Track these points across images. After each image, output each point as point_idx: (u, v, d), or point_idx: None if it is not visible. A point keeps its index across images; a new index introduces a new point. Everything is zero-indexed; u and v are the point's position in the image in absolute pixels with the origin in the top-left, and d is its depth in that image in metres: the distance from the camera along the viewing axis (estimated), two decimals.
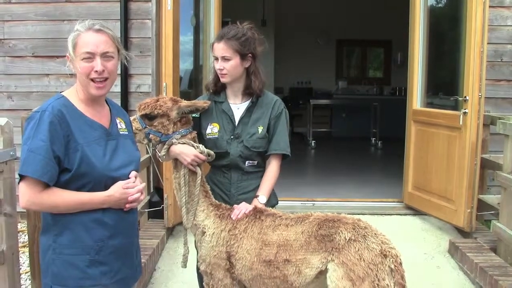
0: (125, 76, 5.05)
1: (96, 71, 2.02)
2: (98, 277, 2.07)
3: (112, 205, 2.07)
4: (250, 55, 2.68)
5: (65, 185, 2.01)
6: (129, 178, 2.13)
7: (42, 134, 1.94)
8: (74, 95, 2.12)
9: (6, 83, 5.30)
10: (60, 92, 2.16)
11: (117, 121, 2.21)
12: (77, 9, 5.15)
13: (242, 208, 2.55)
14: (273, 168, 2.75)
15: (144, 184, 2.18)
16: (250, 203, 2.64)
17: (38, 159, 1.93)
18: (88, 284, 2.06)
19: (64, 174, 1.99)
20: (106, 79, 2.06)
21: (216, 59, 2.66)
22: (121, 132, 2.20)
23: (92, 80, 2.04)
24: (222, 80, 2.70)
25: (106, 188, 2.06)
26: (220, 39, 2.63)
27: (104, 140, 2.10)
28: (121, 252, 2.14)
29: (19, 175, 1.96)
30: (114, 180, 2.08)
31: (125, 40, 5.03)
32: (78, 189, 2.02)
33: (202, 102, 2.66)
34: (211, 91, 2.80)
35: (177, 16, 4.60)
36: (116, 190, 2.07)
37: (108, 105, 2.23)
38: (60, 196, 1.99)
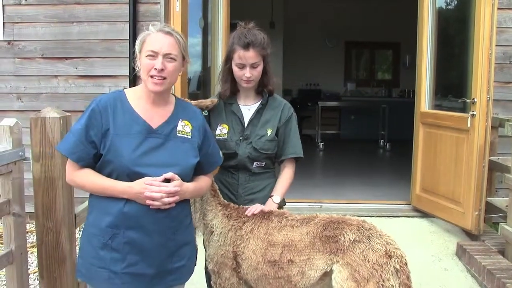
0: (134, 77, 5.08)
1: (156, 68, 2.13)
2: (108, 261, 2.13)
3: (132, 197, 2.10)
4: (266, 56, 2.70)
5: (99, 170, 2.15)
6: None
7: (83, 119, 2.14)
8: (134, 91, 2.27)
9: (16, 85, 5.34)
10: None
11: (181, 123, 2.25)
12: (86, 11, 5.18)
13: (259, 207, 2.60)
14: (288, 171, 2.80)
15: (175, 189, 2.13)
16: (258, 203, 2.66)
17: (71, 139, 2.14)
18: (97, 265, 2.15)
19: (99, 160, 2.14)
20: (164, 78, 2.16)
21: (242, 67, 2.65)
22: (178, 135, 2.23)
23: (151, 77, 2.15)
24: (247, 85, 2.70)
25: (130, 181, 2.11)
26: (247, 47, 2.60)
27: (142, 136, 2.16)
28: (141, 247, 2.13)
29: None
30: (140, 175, 2.11)
31: (134, 42, 5.04)
32: (107, 176, 2.14)
33: (208, 100, 2.69)
34: (226, 97, 2.80)
35: (186, 18, 4.62)
36: (137, 183, 2.10)
37: (175, 107, 2.29)
38: (88, 177, 2.14)
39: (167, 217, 2.17)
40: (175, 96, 2.37)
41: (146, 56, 2.16)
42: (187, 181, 2.22)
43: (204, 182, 2.38)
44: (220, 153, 2.55)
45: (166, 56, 2.16)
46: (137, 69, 2.25)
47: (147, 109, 2.22)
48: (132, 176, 2.11)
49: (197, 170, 2.29)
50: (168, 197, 2.11)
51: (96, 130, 2.12)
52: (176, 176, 2.14)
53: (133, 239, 2.12)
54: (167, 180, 2.12)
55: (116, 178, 2.12)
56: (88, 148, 2.12)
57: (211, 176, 2.48)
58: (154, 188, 2.09)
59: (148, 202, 2.10)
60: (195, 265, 2.41)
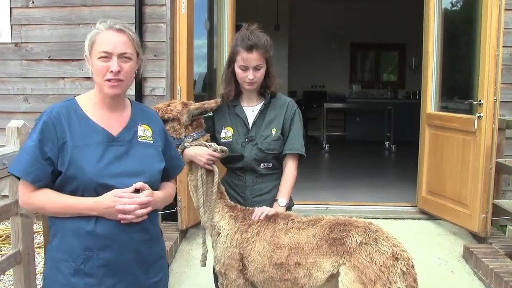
0: (140, 79, 5.09)
1: (112, 71, 1.94)
2: None
3: (101, 213, 1.92)
4: (269, 58, 2.70)
5: (59, 189, 1.95)
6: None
7: (35, 134, 1.93)
8: (87, 98, 2.07)
9: (23, 86, 5.36)
10: (76, 95, 2.15)
11: (140, 128, 2.09)
12: (92, 13, 5.19)
13: (264, 210, 2.56)
14: (290, 169, 2.76)
15: (147, 198, 1.97)
16: (266, 205, 2.65)
17: (24, 158, 1.91)
18: None
19: (59, 177, 1.94)
20: (121, 80, 1.98)
21: (245, 69, 2.64)
22: (140, 140, 2.06)
23: (108, 80, 1.96)
24: (250, 87, 2.69)
25: (98, 195, 1.93)
26: (251, 49, 2.60)
27: (104, 145, 1.97)
28: (117, 268, 1.96)
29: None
30: (108, 188, 1.93)
31: (140, 44, 5.06)
32: (71, 194, 1.94)
33: (212, 102, 2.70)
34: (230, 99, 2.79)
35: (191, 20, 4.63)
36: (106, 197, 1.92)
37: (132, 111, 2.12)
38: (48, 198, 1.93)
39: (141, 231, 2.01)
40: (129, 99, 2.18)
41: (99, 58, 1.96)
42: (155, 189, 2.07)
43: (171, 188, 2.23)
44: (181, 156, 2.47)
45: (120, 56, 1.97)
46: (90, 72, 2.04)
47: (104, 116, 2.03)
48: (99, 189, 1.92)
49: (163, 176, 2.14)
50: (140, 208, 1.95)
51: (52, 145, 1.91)
52: (147, 186, 1.99)
53: (108, 261, 1.94)
54: (137, 191, 1.97)
55: (82, 195, 1.92)
56: (45, 165, 1.90)
57: (175, 182, 2.33)
58: (126, 200, 1.92)
59: (120, 216, 1.92)
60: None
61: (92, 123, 2.00)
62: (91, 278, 1.93)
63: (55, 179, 1.94)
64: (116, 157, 1.98)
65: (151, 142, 2.10)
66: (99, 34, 1.99)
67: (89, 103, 2.05)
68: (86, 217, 1.92)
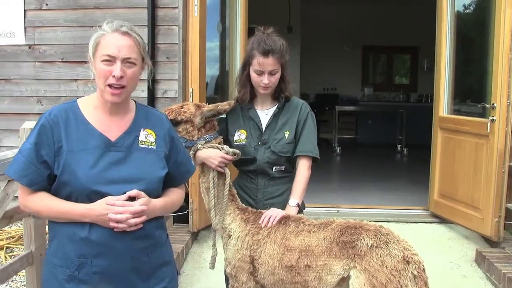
0: (152, 81, 5.11)
1: (114, 76, 1.87)
2: None
3: (94, 220, 1.86)
4: (284, 63, 2.70)
5: (55, 194, 1.91)
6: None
7: (32, 137, 1.90)
8: (89, 101, 2.02)
9: (36, 88, 5.40)
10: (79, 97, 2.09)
11: (143, 133, 2.02)
12: (105, 16, 5.21)
13: (271, 215, 2.54)
14: (301, 169, 2.73)
15: (141, 208, 1.88)
16: (277, 207, 2.64)
17: (21, 161, 1.88)
18: None
19: (54, 181, 1.91)
20: (123, 86, 1.91)
21: (260, 73, 2.64)
22: (141, 146, 1.99)
23: (109, 86, 1.90)
24: (264, 92, 2.70)
25: (91, 202, 1.87)
26: (267, 54, 2.59)
27: (100, 150, 1.91)
28: (112, 275, 1.91)
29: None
30: (101, 195, 1.87)
31: (152, 46, 5.09)
32: (65, 199, 1.90)
33: (225, 104, 2.70)
34: (244, 102, 2.79)
35: (204, 23, 4.65)
36: (98, 204, 1.86)
37: (136, 115, 2.05)
38: (43, 201, 1.90)
39: (139, 238, 1.93)
40: (135, 102, 2.10)
41: (102, 61, 1.89)
42: (156, 196, 1.99)
43: (176, 195, 2.13)
44: (192, 161, 2.41)
45: (124, 61, 1.90)
46: (92, 75, 1.97)
47: (103, 120, 1.97)
48: (92, 196, 1.86)
49: (168, 182, 2.06)
50: (134, 217, 1.87)
51: (48, 149, 1.87)
52: (142, 193, 1.90)
53: (102, 268, 1.89)
54: (132, 199, 1.89)
55: (76, 200, 1.88)
56: (40, 169, 1.87)
57: (184, 188, 2.23)
58: (118, 209, 1.85)
59: (112, 224, 1.85)
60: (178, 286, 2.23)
61: (90, 128, 1.95)
62: (85, 285, 1.89)
63: (52, 183, 1.91)
64: (112, 163, 1.92)
65: (154, 147, 2.02)
66: (104, 36, 1.93)
67: (90, 107, 2.00)
68: (80, 223, 1.88)
